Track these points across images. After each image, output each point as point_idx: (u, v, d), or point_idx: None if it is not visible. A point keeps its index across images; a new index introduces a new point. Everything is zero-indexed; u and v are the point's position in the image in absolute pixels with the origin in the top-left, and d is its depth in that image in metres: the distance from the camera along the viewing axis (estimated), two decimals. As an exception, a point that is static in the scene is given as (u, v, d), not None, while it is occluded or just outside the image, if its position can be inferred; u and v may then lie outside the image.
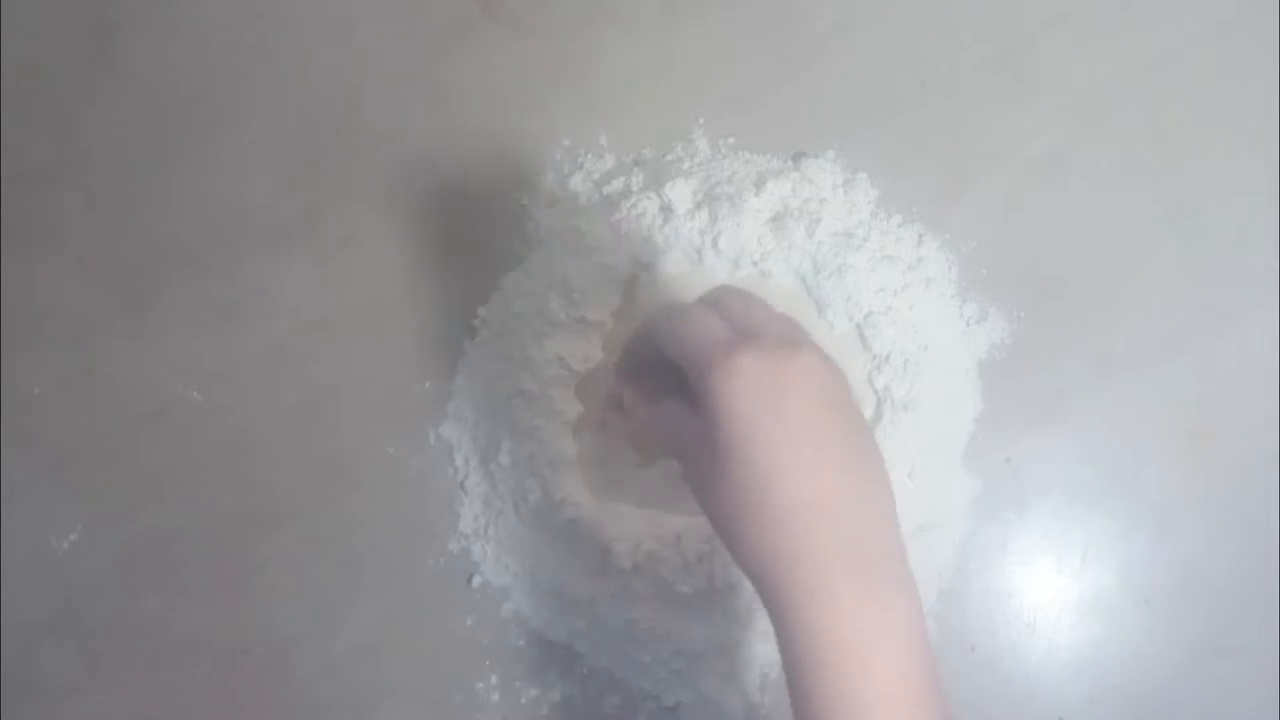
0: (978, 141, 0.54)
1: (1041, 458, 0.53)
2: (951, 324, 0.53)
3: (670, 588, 0.48)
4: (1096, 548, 0.52)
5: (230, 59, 0.55)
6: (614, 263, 0.50)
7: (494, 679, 0.52)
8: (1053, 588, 0.52)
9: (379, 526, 0.53)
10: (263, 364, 0.54)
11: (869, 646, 0.34)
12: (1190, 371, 0.53)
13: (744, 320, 0.37)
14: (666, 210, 0.51)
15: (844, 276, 0.50)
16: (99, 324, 0.54)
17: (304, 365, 0.54)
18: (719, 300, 0.39)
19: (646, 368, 0.41)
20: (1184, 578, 0.52)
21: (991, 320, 0.53)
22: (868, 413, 0.51)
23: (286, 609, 0.52)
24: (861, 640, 0.34)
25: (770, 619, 0.35)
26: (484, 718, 0.52)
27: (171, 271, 0.54)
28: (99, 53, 0.55)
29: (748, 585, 0.41)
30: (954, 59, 0.55)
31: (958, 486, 0.52)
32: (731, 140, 0.54)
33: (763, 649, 0.49)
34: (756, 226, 0.51)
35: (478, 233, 0.54)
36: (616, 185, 0.53)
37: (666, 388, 0.40)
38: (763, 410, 0.34)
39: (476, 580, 0.52)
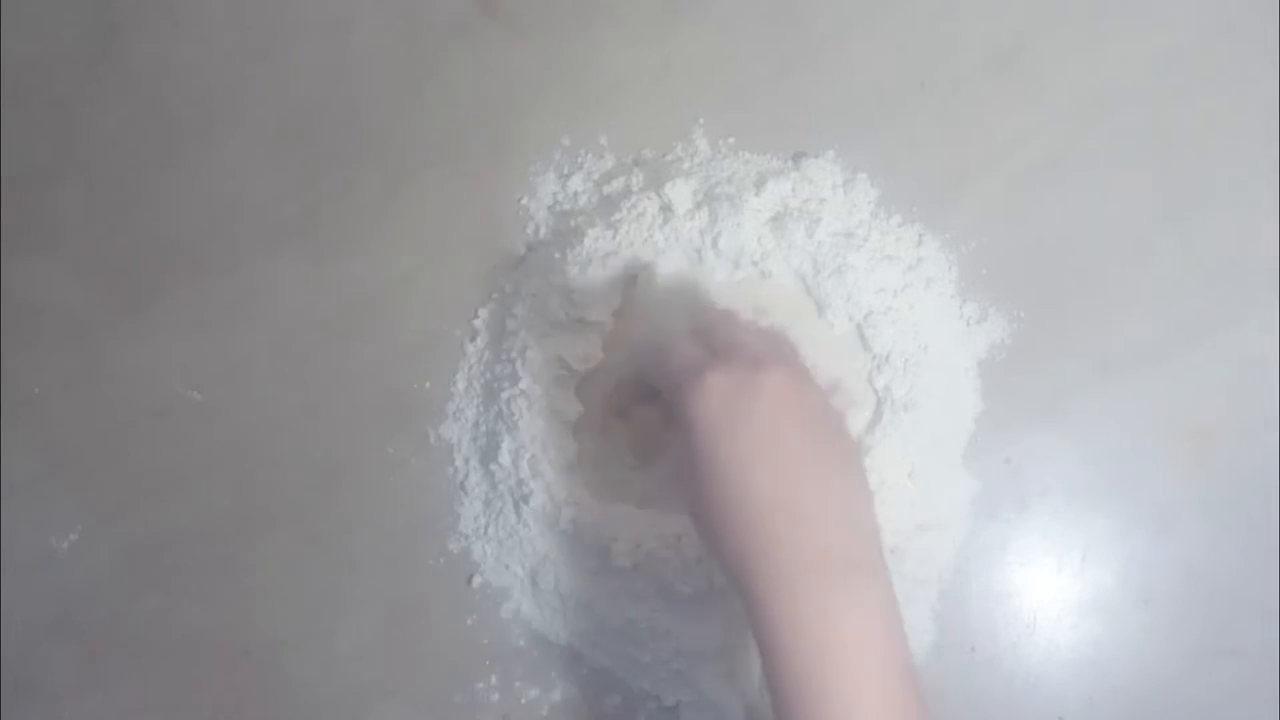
0: (978, 141, 0.54)
1: (1041, 458, 0.53)
2: (951, 324, 0.53)
3: (670, 588, 0.48)
4: (1096, 548, 0.52)
5: (230, 59, 0.55)
6: (614, 263, 0.50)
7: (494, 679, 0.52)
8: (1053, 588, 0.52)
9: (379, 526, 0.53)
10: (263, 364, 0.54)
11: (838, 638, 0.36)
12: (1190, 371, 0.53)
13: (724, 340, 0.42)
14: (666, 210, 0.51)
15: (844, 276, 0.50)
16: (99, 324, 0.54)
17: (304, 365, 0.54)
18: (703, 324, 0.43)
19: (639, 394, 0.46)
20: (1184, 578, 0.52)
21: (991, 320, 0.53)
22: (867, 413, 0.51)
23: (286, 609, 0.52)
24: (830, 631, 0.36)
25: (748, 616, 0.37)
26: (484, 718, 0.52)
27: (171, 271, 0.54)
28: (99, 53, 0.56)
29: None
30: (954, 59, 0.55)
31: (958, 486, 0.52)
32: (731, 140, 0.54)
33: (763, 649, 0.49)
34: (756, 226, 0.51)
35: (478, 233, 0.54)
36: (616, 185, 0.53)
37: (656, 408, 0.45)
38: (729, 421, 0.38)
39: (476, 580, 0.52)
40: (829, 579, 0.37)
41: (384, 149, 0.55)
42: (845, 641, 0.36)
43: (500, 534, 0.52)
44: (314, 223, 0.54)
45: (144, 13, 0.56)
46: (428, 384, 0.53)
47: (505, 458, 0.50)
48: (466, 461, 0.53)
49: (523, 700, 0.52)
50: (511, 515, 0.51)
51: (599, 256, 0.50)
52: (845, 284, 0.50)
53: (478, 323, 0.54)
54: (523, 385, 0.50)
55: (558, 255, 0.52)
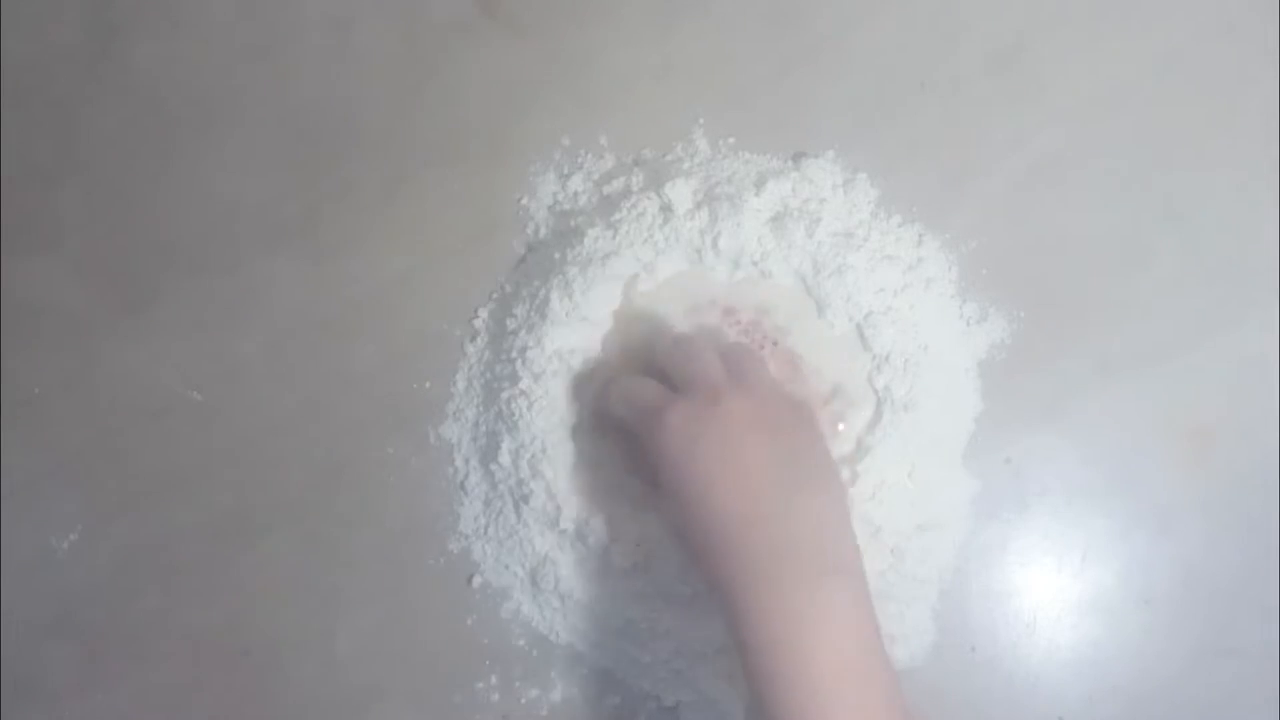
0: (978, 141, 0.54)
1: (1041, 458, 0.53)
2: (951, 324, 0.53)
3: (670, 588, 0.48)
4: (1096, 548, 0.52)
5: (230, 59, 0.55)
6: (614, 263, 0.50)
7: (494, 679, 0.52)
8: (1053, 588, 0.52)
9: (379, 526, 0.53)
10: (263, 364, 0.54)
11: (806, 635, 0.38)
12: (1190, 371, 0.53)
13: (682, 376, 0.45)
14: (666, 210, 0.51)
15: (844, 276, 0.50)
16: (99, 324, 0.54)
17: (304, 365, 0.54)
18: (666, 355, 0.47)
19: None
20: (1184, 578, 0.52)
21: (991, 320, 0.53)
22: (868, 413, 0.51)
23: (286, 609, 0.52)
24: (797, 629, 0.38)
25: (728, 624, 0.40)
26: (484, 718, 0.52)
27: (171, 271, 0.54)
28: (99, 53, 0.55)
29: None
30: (954, 59, 0.55)
31: (958, 486, 0.52)
32: (731, 140, 0.54)
33: (763, 649, 0.49)
34: (756, 226, 0.50)
35: (478, 233, 0.54)
36: (616, 185, 0.53)
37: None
38: (689, 451, 0.42)
39: (476, 580, 0.52)
40: (795, 581, 0.39)
41: (383, 149, 0.55)
42: (813, 639, 0.38)
43: (500, 534, 0.52)
44: (313, 223, 0.54)
45: (144, 13, 0.56)
46: (428, 384, 0.53)
47: (505, 458, 0.50)
48: (466, 461, 0.53)
49: (523, 700, 0.52)
50: (511, 515, 0.51)
51: (599, 256, 0.50)
52: (845, 284, 0.50)
53: (478, 323, 0.54)
54: (523, 385, 0.50)
55: (558, 255, 0.52)
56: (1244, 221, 0.54)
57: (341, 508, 0.53)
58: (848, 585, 0.40)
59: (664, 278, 0.51)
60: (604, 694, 0.52)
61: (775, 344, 0.51)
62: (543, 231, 0.54)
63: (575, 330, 0.50)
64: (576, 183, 0.54)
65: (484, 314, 0.54)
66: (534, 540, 0.51)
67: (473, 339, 0.54)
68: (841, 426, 0.51)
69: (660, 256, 0.51)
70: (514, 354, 0.51)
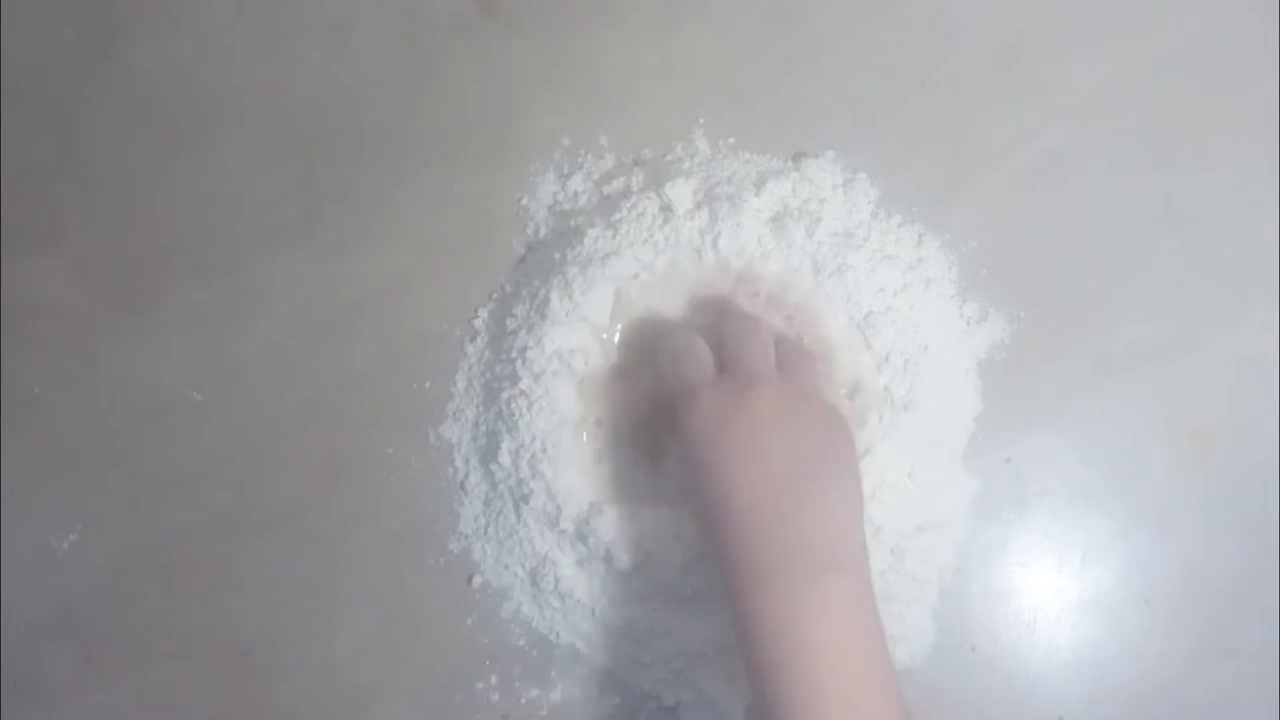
0: (978, 141, 0.54)
1: (1041, 458, 0.53)
2: (951, 324, 0.53)
3: (670, 588, 0.48)
4: (1096, 548, 0.52)
5: (230, 59, 0.55)
6: (614, 263, 0.50)
7: (494, 679, 0.52)
8: (1053, 588, 0.52)
9: (379, 526, 0.53)
10: (263, 364, 0.54)
11: (808, 629, 0.39)
12: (1190, 371, 0.53)
13: (732, 355, 0.46)
14: (666, 210, 0.51)
15: (844, 276, 0.50)
16: (99, 324, 0.54)
17: (304, 365, 0.54)
18: (724, 328, 0.47)
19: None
20: (1184, 578, 0.52)
21: (991, 320, 0.53)
22: (872, 413, 0.51)
23: (286, 609, 0.52)
24: (800, 623, 0.39)
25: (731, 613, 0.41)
26: (484, 718, 0.52)
27: (171, 271, 0.54)
28: (99, 53, 0.55)
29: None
30: (954, 59, 0.55)
31: (958, 486, 0.52)
32: (731, 140, 0.54)
33: (763, 649, 0.49)
34: (756, 226, 0.51)
35: (478, 233, 0.54)
36: (616, 185, 0.53)
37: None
38: (716, 433, 0.43)
39: (476, 580, 0.52)
40: (802, 576, 0.40)
41: (383, 149, 0.55)
42: (815, 633, 0.39)
43: (500, 534, 0.52)
44: (313, 223, 0.54)
45: (144, 13, 0.56)
46: (428, 384, 0.53)
47: (505, 458, 0.50)
48: (466, 461, 0.53)
49: (523, 700, 0.52)
50: (511, 515, 0.51)
51: (599, 256, 0.50)
52: (845, 284, 0.50)
53: (478, 323, 0.54)
54: (523, 385, 0.50)
55: (558, 255, 0.52)
56: (1244, 221, 0.54)
57: (341, 508, 0.53)
58: (853, 582, 0.41)
59: (664, 278, 0.51)
60: (604, 694, 0.52)
61: (791, 319, 0.51)
62: (543, 231, 0.54)
63: (575, 330, 0.50)
64: (576, 183, 0.54)
65: (484, 314, 0.54)
66: (534, 540, 0.51)
67: (473, 339, 0.54)
68: (873, 419, 0.50)
69: (660, 256, 0.51)
70: (514, 354, 0.51)
